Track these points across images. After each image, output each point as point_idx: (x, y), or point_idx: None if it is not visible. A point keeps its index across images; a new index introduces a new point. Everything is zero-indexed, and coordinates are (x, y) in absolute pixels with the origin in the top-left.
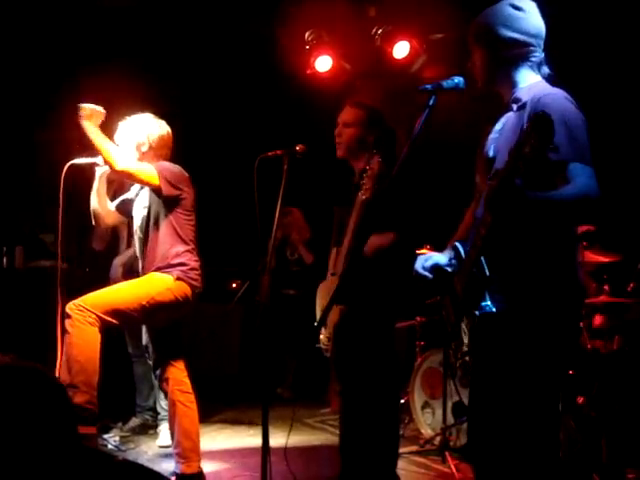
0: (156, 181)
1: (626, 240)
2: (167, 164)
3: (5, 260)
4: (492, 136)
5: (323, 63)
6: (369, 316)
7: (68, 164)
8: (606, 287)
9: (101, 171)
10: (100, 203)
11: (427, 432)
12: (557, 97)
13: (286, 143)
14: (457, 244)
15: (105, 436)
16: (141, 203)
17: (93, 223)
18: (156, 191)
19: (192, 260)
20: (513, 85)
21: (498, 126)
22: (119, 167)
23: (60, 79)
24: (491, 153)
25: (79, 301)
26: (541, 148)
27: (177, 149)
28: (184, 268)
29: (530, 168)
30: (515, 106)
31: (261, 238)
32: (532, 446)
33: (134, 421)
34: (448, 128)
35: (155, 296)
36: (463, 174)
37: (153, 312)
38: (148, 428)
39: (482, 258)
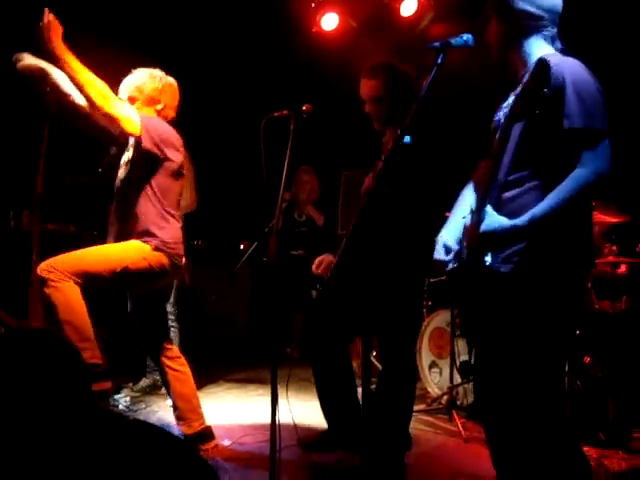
0: (136, 128)
1: (636, 200)
2: (157, 120)
3: (12, 223)
4: (503, 111)
5: (329, 21)
6: (393, 289)
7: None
8: (614, 247)
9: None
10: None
11: (434, 391)
12: (570, 63)
13: (292, 103)
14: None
15: (116, 397)
16: (124, 160)
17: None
18: (136, 141)
19: (173, 229)
20: (526, 58)
21: (510, 100)
22: (100, 102)
23: None
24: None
25: (49, 261)
26: (536, 93)
27: (182, 110)
28: (164, 237)
29: (529, 115)
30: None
31: (268, 200)
32: (539, 402)
33: (144, 381)
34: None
35: (129, 264)
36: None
37: (126, 279)
38: (158, 388)
39: (486, 210)
